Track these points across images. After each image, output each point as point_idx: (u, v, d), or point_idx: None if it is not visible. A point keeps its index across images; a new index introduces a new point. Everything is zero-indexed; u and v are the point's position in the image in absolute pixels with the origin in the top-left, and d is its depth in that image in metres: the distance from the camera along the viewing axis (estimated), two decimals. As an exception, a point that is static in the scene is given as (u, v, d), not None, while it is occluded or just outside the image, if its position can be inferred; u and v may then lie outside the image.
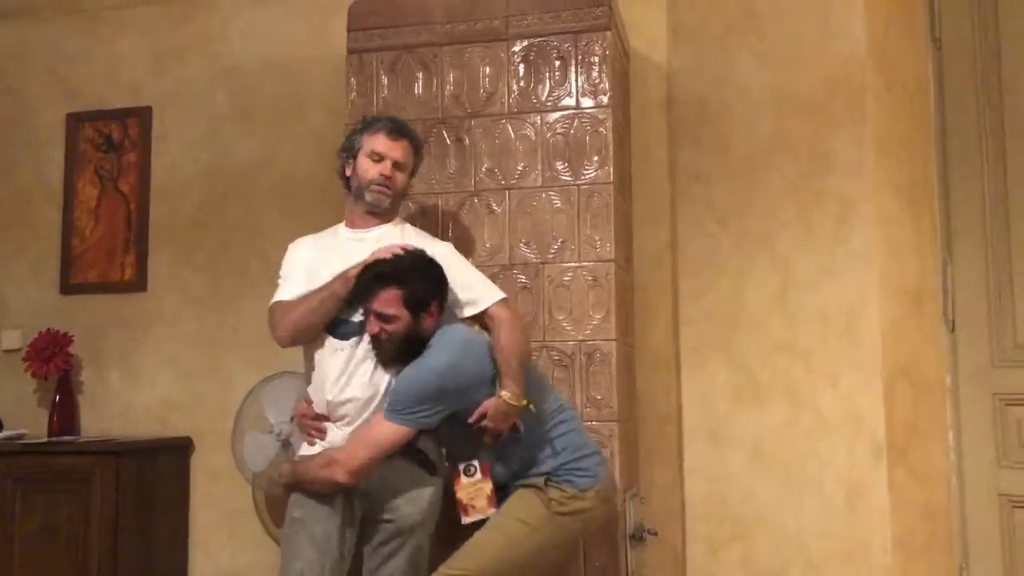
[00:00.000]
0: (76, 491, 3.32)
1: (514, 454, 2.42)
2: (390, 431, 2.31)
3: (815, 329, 3.11)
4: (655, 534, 3.08)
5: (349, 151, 2.55)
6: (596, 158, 2.90)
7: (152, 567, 3.47)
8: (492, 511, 2.37)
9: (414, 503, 2.37)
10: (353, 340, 2.41)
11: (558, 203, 2.91)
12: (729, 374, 3.24)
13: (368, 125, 2.54)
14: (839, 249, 3.08)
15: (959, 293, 3.11)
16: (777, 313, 3.18)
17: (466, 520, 2.36)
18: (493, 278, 2.84)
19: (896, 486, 2.95)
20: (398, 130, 2.53)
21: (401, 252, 2.38)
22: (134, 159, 3.81)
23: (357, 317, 2.41)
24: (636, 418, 3.25)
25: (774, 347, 3.18)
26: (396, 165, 2.51)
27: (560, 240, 2.90)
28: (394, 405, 2.32)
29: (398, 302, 2.33)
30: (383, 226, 2.54)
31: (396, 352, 2.37)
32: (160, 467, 3.57)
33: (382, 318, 2.34)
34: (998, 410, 3.01)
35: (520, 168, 2.94)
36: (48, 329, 3.68)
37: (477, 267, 2.84)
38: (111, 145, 3.83)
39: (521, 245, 2.92)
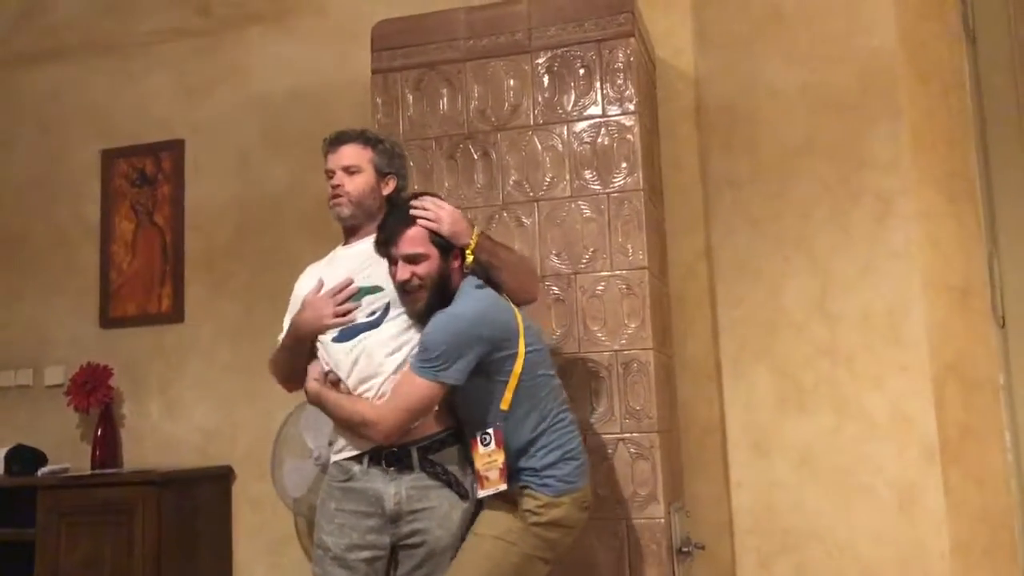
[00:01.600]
0: (119, 523, 3.33)
1: (515, 436, 2.28)
2: (422, 389, 2.19)
3: (858, 331, 3.03)
4: (703, 548, 3.01)
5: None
6: (624, 165, 2.87)
7: (196, 598, 3.46)
8: (503, 486, 2.23)
9: (445, 526, 2.28)
10: (358, 338, 2.32)
11: (588, 212, 2.88)
12: (771, 381, 3.17)
13: (323, 147, 2.49)
14: (879, 248, 3.01)
15: (1007, 287, 3.01)
16: (817, 317, 3.11)
17: (481, 493, 2.25)
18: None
19: (951, 489, 2.85)
20: (336, 139, 2.45)
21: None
22: (168, 192, 3.86)
23: (361, 317, 2.34)
24: (678, 429, 3.19)
25: (816, 352, 3.10)
26: (346, 170, 2.41)
27: (591, 249, 2.86)
28: (423, 356, 2.20)
29: (425, 239, 2.27)
30: (368, 239, 2.42)
31: (427, 302, 2.27)
32: (201, 497, 3.57)
33: (411, 259, 2.26)
34: (1055, 407, 2.91)
35: (548, 179, 2.92)
36: (88, 363, 3.72)
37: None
38: (145, 179, 3.89)
39: (552, 256, 2.89)
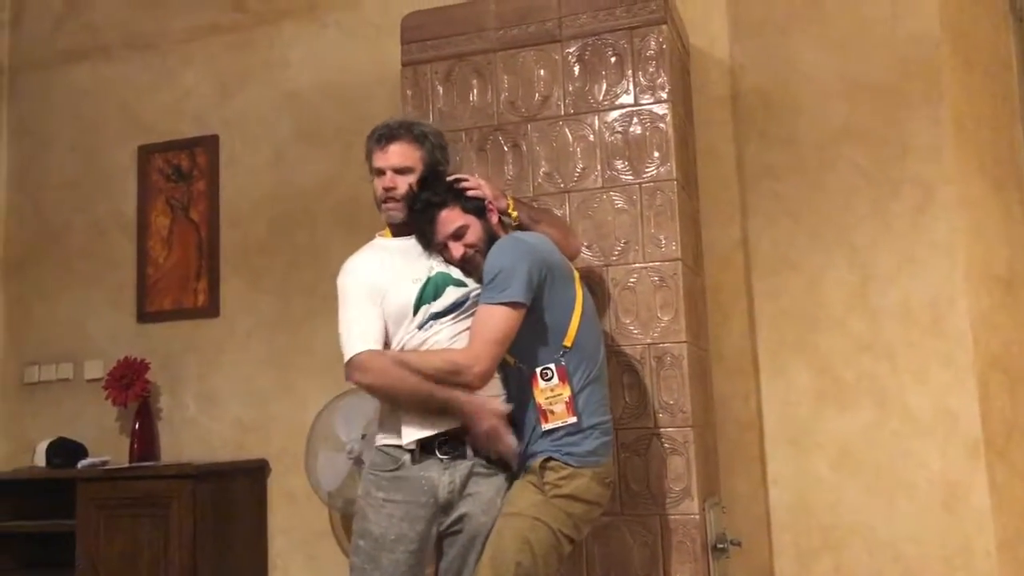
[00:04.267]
0: (156, 515, 3.36)
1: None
2: (500, 316, 2.19)
3: (899, 324, 2.96)
4: (739, 544, 2.95)
5: (370, 172, 2.45)
6: (657, 155, 2.82)
7: (232, 590, 3.48)
8: (572, 419, 2.22)
9: (489, 512, 2.25)
10: (448, 318, 2.30)
11: (620, 203, 2.84)
12: (810, 376, 3.10)
13: (368, 141, 2.42)
14: (921, 238, 2.93)
15: (1055, 278, 2.92)
16: (858, 309, 3.04)
17: (546, 426, 2.23)
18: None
19: (997, 486, 2.77)
20: (386, 136, 2.37)
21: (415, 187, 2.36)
22: (203, 187, 3.88)
23: (435, 307, 2.30)
24: (714, 424, 3.13)
25: (856, 346, 3.03)
26: (398, 171, 2.35)
27: (623, 241, 2.82)
28: (490, 284, 2.21)
29: (458, 214, 2.31)
30: None
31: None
32: (237, 490, 3.59)
33: (457, 236, 2.30)
34: (1106, 401, 2.81)
35: (579, 170, 2.88)
36: (126, 357, 3.76)
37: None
38: (181, 175, 3.92)
39: (584, 248, 2.85)
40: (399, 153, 2.36)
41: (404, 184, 2.35)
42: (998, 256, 2.93)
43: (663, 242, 2.79)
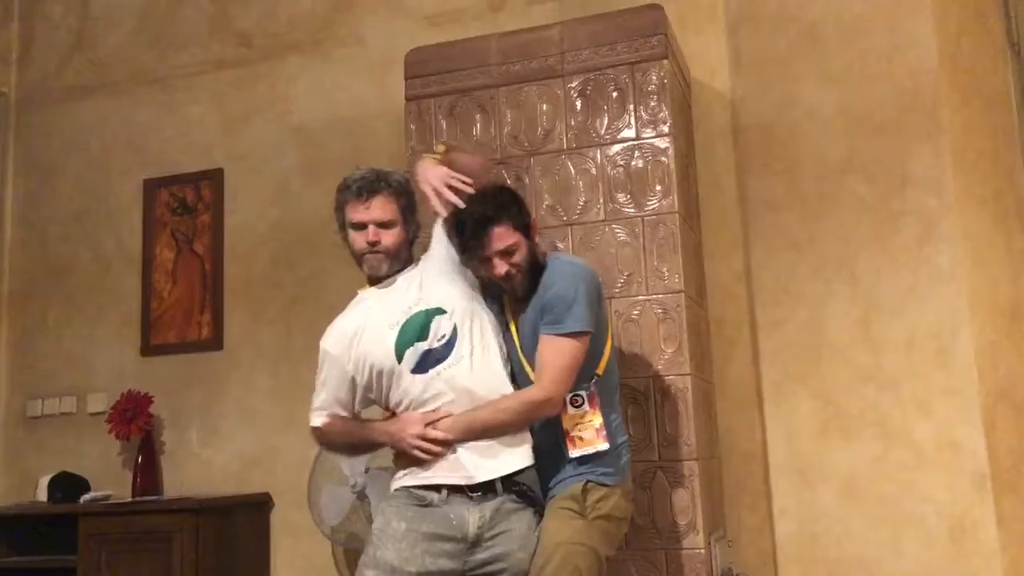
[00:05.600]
0: (158, 550, 3.34)
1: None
2: (569, 347, 2.21)
3: (903, 355, 2.96)
4: (745, 578, 2.93)
5: (341, 226, 2.39)
6: (659, 188, 2.84)
7: (235, 626, 3.46)
8: (605, 445, 2.23)
9: (526, 547, 2.20)
10: (435, 369, 2.25)
11: (622, 236, 2.85)
12: (814, 407, 3.09)
13: (341, 193, 2.35)
14: (923, 270, 2.93)
15: (1059, 308, 2.92)
16: (861, 341, 3.03)
17: (574, 452, 2.23)
18: (560, 316, 2.80)
19: (1006, 519, 2.75)
20: (367, 189, 2.32)
21: (471, 191, 2.29)
22: (208, 220, 3.90)
23: (434, 342, 2.26)
24: (719, 457, 3.12)
25: (860, 377, 3.02)
26: (380, 225, 2.31)
27: (626, 273, 2.83)
28: (560, 315, 2.21)
29: (510, 231, 2.27)
30: (401, 274, 2.37)
31: (528, 282, 2.30)
32: (240, 524, 3.57)
33: (505, 254, 2.28)
34: (1113, 432, 2.79)
35: (582, 203, 2.89)
36: (129, 390, 3.76)
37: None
38: (186, 208, 3.94)
39: (587, 281, 2.85)
40: (381, 207, 2.32)
41: (388, 238, 2.32)
42: (1001, 287, 2.93)
43: (666, 274, 2.79)
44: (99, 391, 3.92)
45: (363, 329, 2.31)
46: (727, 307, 3.21)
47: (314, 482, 3.36)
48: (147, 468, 3.73)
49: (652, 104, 2.87)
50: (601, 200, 2.88)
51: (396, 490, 2.27)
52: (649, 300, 2.80)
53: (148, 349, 3.90)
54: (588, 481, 2.24)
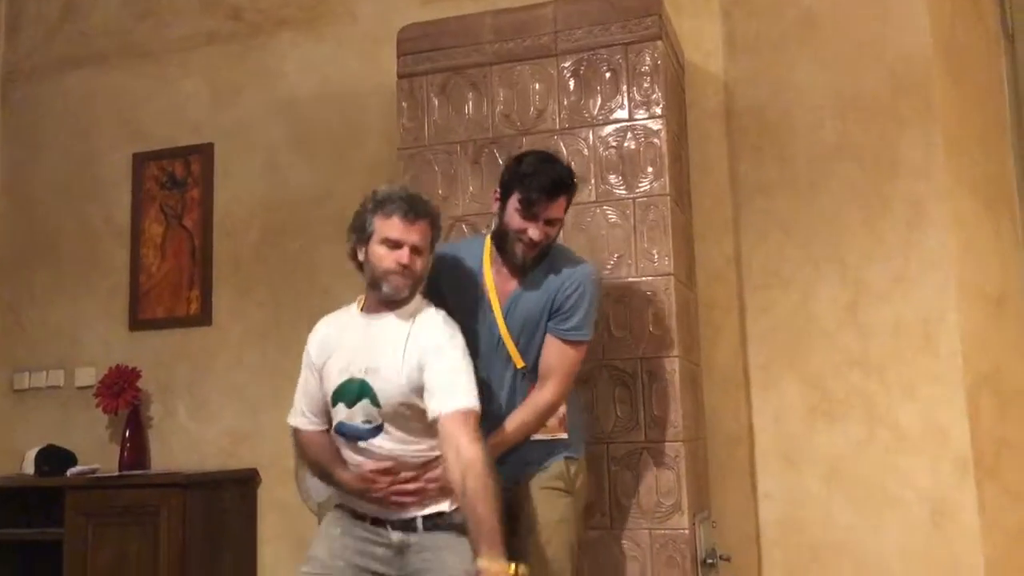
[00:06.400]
0: (145, 524, 3.34)
1: None
2: (579, 353, 2.37)
3: (890, 341, 2.97)
4: (728, 559, 2.95)
5: (360, 234, 2.26)
6: (651, 170, 2.83)
7: (221, 600, 3.47)
8: (563, 435, 2.37)
9: (458, 552, 2.15)
10: (362, 443, 2.22)
11: (613, 217, 2.84)
12: (801, 391, 3.11)
13: (380, 205, 2.23)
14: (912, 255, 2.94)
15: (1045, 296, 2.93)
16: (849, 325, 3.05)
17: (535, 436, 2.34)
18: (549, 297, 2.81)
19: (987, 505, 2.77)
20: (415, 211, 2.21)
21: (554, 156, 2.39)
22: (197, 195, 3.88)
23: (360, 421, 2.21)
24: (704, 439, 3.14)
25: (847, 361, 3.04)
26: (414, 250, 2.21)
27: (616, 255, 2.83)
28: (580, 322, 2.34)
29: (565, 207, 2.35)
30: (399, 309, 2.26)
31: (536, 256, 2.36)
32: (227, 499, 3.58)
33: (550, 223, 2.33)
34: (1095, 420, 2.82)
35: (573, 184, 2.88)
36: (117, 365, 3.75)
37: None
38: (175, 182, 3.92)
39: (577, 262, 2.85)
40: (422, 232, 2.23)
41: (419, 263, 2.23)
42: (989, 274, 2.94)
43: (656, 257, 2.79)
44: (87, 365, 3.91)
45: (333, 353, 2.28)
46: (716, 290, 3.22)
47: (300, 459, 3.36)
48: (134, 442, 3.72)
49: (645, 85, 2.86)
50: (593, 181, 2.87)
51: (337, 504, 2.35)
52: (639, 282, 2.80)
53: (136, 323, 3.89)
54: (567, 457, 2.39)
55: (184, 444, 3.79)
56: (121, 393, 3.69)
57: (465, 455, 2.02)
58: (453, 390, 2.11)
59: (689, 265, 3.13)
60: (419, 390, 2.15)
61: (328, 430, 2.32)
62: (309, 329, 3.59)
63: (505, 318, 2.36)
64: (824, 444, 3.05)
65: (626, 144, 2.86)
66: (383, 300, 2.25)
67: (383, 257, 2.20)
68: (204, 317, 3.81)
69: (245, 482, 3.66)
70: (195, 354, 3.82)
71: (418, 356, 2.16)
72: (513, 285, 2.40)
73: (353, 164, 3.72)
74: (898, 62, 3.02)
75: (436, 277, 2.41)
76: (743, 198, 3.24)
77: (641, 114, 2.86)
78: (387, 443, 2.20)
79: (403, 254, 2.19)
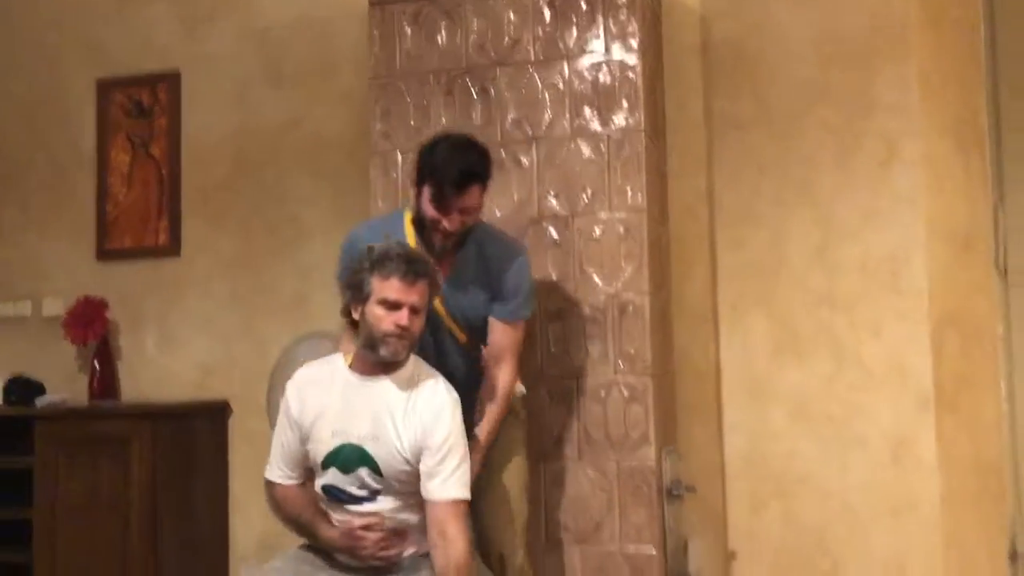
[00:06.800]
0: (115, 455, 3.34)
1: None
2: (522, 331, 2.48)
3: (858, 279, 3.00)
4: (693, 490, 3.01)
5: (357, 293, 2.17)
6: (626, 105, 2.81)
7: (193, 530, 3.50)
8: (523, 389, 2.56)
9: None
10: (352, 507, 2.21)
11: (587, 153, 2.83)
12: (769, 328, 3.15)
13: (377, 264, 2.15)
14: (883, 193, 2.96)
15: (1011, 236, 2.97)
16: (818, 263, 3.07)
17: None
18: (521, 233, 2.81)
19: (944, 439, 2.84)
20: (414, 272, 2.14)
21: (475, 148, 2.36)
22: (164, 124, 3.79)
23: (355, 487, 2.19)
24: (672, 373, 3.17)
25: (815, 299, 3.07)
26: (412, 310, 2.15)
27: (590, 191, 2.82)
28: (524, 304, 2.44)
29: (481, 194, 2.34)
30: (395, 373, 2.21)
31: (454, 243, 2.37)
32: (197, 431, 3.59)
33: (466, 212, 2.32)
34: (1053, 358, 2.89)
35: (547, 118, 2.86)
36: (85, 295, 3.71)
37: (505, 222, 2.79)
38: (141, 111, 3.83)
39: (550, 197, 2.85)
40: (421, 293, 2.16)
41: (416, 324, 2.16)
42: (957, 213, 2.97)
43: (629, 193, 2.79)
44: (54, 295, 3.86)
45: (323, 414, 2.21)
46: (688, 226, 3.22)
47: (273, 390, 3.37)
48: (104, 374, 3.71)
49: (622, 18, 2.82)
50: (567, 115, 2.85)
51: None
52: (612, 218, 2.80)
53: (104, 254, 3.83)
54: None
55: (154, 376, 3.77)
56: (89, 324, 3.66)
57: (453, 548, 2.08)
58: (450, 478, 2.13)
59: (662, 201, 3.13)
60: (419, 460, 2.16)
61: (304, 484, 2.29)
62: (280, 259, 3.64)
63: (445, 304, 2.39)
64: (790, 380, 3.10)
65: (601, 78, 2.83)
66: (378, 363, 2.19)
67: (381, 319, 2.14)
68: (173, 247, 3.76)
69: (216, 414, 3.67)
70: (164, 285, 3.78)
71: (422, 429, 2.14)
72: (445, 272, 2.36)
73: (325, 94, 3.66)
74: (876, 1, 2.99)
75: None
76: (717, 134, 3.23)
77: (617, 48, 2.83)
78: (380, 508, 2.19)
79: (402, 316, 2.13)
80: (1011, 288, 2.96)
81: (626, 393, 2.76)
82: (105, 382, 3.70)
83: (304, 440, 2.23)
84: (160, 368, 3.77)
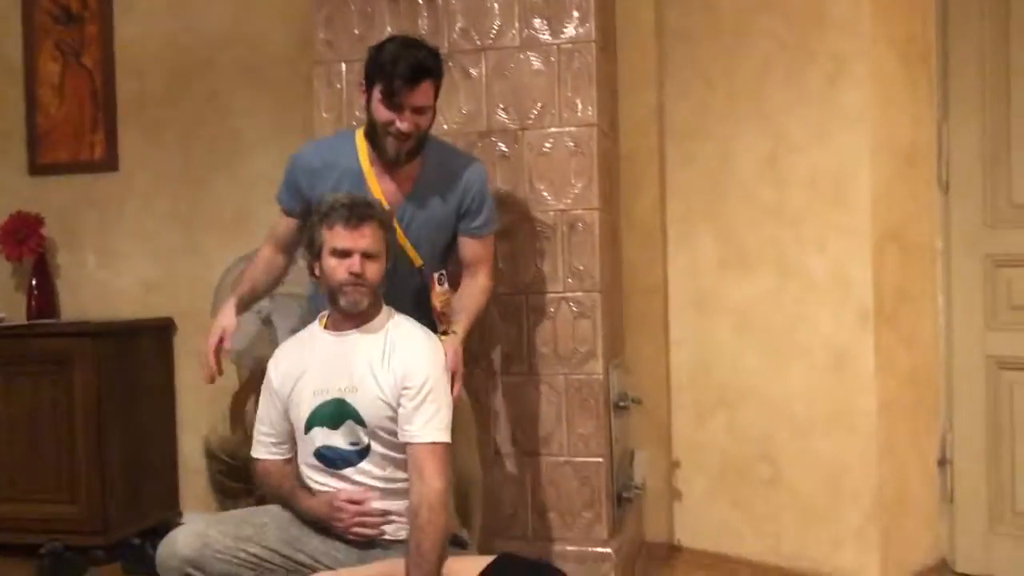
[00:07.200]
0: (57, 374, 3.30)
1: None
2: (493, 242, 2.50)
3: (804, 194, 3.02)
4: (640, 402, 3.08)
5: (312, 248, 2.15)
6: (576, 14, 2.75)
7: (141, 448, 3.48)
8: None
9: None
10: (343, 471, 2.15)
11: (537, 64, 2.77)
12: (716, 243, 3.18)
13: (324, 217, 2.12)
14: (831, 108, 2.96)
15: (954, 154, 3.00)
16: (766, 178, 3.09)
17: (441, 328, 2.28)
18: (470, 147, 2.76)
19: (882, 350, 2.92)
20: (357, 216, 2.10)
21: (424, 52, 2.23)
22: (95, 32, 3.64)
23: (346, 443, 2.13)
24: (620, 289, 3.20)
25: (762, 213, 3.10)
26: (366, 255, 2.10)
27: (540, 104, 2.77)
28: (489, 220, 2.44)
29: (433, 93, 2.24)
30: (367, 325, 2.16)
31: (412, 149, 2.26)
32: (142, 349, 3.54)
33: (418, 112, 2.22)
34: (989, 272, 2.95)
35: (496, 27, 2.79)
36: (19, 211, 3.59)
37: (453, 135, 2.75)
38: (70, 17, 3.65)
39: (499, 110, 2.80)
40: (371, 236, 2.11)
41: (372, 270, 2.11)
42: (902, 130, 2.99)
43: (579, 107, 2.75)
44: (-14, 211, 3.74)
45: (302, 375, 2.16)
46: (638, 141, 3.21)
47: (218, 307, 3.33)
48: (42, 291, 3.63)
49: (573, -76, 2.74)
50: (517, 24, 2.78)
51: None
52: (561, 133, 2.77)
53: (36, 168, 3.71)
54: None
55: (95, 294, 3.70)
56: (24, 240, 3.56)
57: (428, 487, 2.02)
58: (431, 421, 2.08)
59: (612, 115, 3.10)
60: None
61: (289, 460, 2.25)
62: (221, 174, 3.55)
63: (404, 226, 2.32)
64: (736, 294, 3.15)
65: (551, -14, 2.76)
66: (346, 315, 2.16)
67: (335, 268, 2.10)
68: (110, 162, 3.66)
69: (160, 331, 3.62)
70: (102, 200, 3.68)
71: (402, 372, 2.10)
72: (405, 191, 2.32)
73: (264, 3, 3.52)
74: (830, -90, 2.94)
75: (301, 185, 2.34)
76: (668, 48, 3.20)
77: (567, -46, 2.75)
78: (375, 469, 2.14)
79: (354, 262, 2.09)
80: (952, 204, 3.01)
81: (575, 309, 2.78)
82: (44, 300, 3.62)
83: (287, 408, 2.19)
84: (101, 286, 3.70)
